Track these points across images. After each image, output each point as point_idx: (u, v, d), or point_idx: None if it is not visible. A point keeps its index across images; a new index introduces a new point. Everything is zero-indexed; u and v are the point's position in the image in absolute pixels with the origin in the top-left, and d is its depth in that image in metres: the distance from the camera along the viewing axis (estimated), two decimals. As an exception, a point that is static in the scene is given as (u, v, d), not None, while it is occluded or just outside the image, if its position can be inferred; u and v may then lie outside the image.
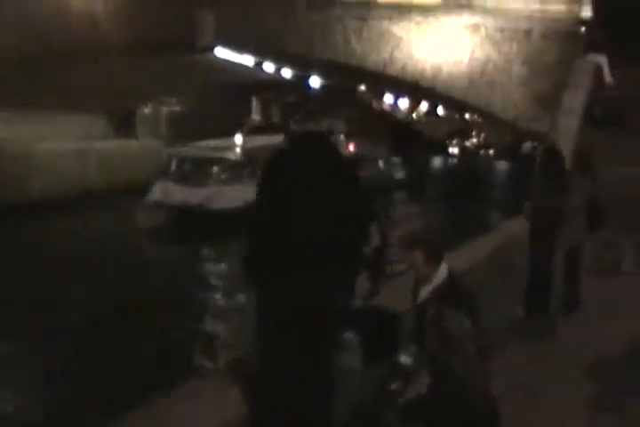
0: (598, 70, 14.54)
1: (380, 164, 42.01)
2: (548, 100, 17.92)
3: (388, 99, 62.66)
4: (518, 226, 8.49)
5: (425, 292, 3.47)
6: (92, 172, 26.07)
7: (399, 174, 49.15)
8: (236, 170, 22.27)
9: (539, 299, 6.63)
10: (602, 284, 7.58)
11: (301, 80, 31.45)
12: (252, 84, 32.45)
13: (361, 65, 19.39)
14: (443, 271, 3.46)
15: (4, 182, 21.98)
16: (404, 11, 19.07)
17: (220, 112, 35.44)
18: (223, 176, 22.22)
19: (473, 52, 18.76)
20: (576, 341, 6.03)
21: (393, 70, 19.22)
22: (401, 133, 61.24)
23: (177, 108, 34.15)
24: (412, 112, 68.50)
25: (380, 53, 19.22)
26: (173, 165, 22.75)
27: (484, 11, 18.57)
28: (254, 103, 42.35)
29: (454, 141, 73.56)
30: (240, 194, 19.71)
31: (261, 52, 23.07)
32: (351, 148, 35.46)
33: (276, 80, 31.40)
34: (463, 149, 73.19)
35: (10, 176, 22.38)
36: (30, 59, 22.21)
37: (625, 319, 6.47)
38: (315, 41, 19.68)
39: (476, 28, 18.64)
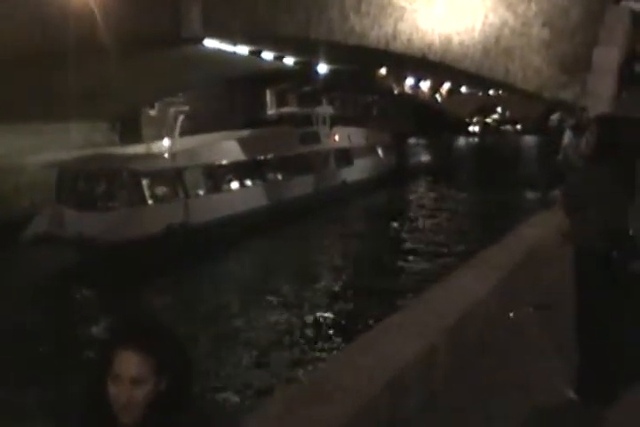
0: (635, 19, 11.97)
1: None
2: (575, 64, 15.41)
3: (410, 81, 60.18)
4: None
5: None
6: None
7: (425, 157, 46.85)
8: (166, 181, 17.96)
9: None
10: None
11: (309, 68, 29.21)
12: (260, 75, 30.32)
13: (361, 43, 17.02)
14: None
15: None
16: (406, -22, 16.67)
17: (231, 107, 33.46)
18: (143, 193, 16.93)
19: (486, 17, 16.25)
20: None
21: (397, 46, 16.83)
22: (424, 115, 58.81)
23: (185, 108, 32.21)
24: (435, 92, 65.79)
25: (382, 28, 16.83)
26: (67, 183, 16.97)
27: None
28: (268, 96, 40.22)
29: (479, 119, 70.76)
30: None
31: (256, 40, 20.81)
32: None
33: (283, 69, 29.16)
34: (489, 126, 70.41)
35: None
36: (16, 65, 20.29)
37: None
38: (311, 20, 17.40)
39: (487, -10, 16.17)
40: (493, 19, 16.12)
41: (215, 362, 9.88)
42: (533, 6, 15.68)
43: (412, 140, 56.30)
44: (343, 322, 12.11)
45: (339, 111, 49.53)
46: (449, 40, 16.61)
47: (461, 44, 16.52)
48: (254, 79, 31.84)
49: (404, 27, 16.74)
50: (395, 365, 4.40)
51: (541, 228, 8.76)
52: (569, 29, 15.41)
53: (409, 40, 16.83)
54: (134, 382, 1.91)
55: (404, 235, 20.62)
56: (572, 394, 4.54)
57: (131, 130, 28.31)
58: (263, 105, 38.83)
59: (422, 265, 16.28)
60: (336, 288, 14.73)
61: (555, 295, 6.51)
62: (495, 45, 16.32)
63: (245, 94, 34.82)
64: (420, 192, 30.76)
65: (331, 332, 11.70)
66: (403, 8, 16.58)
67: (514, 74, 16.49)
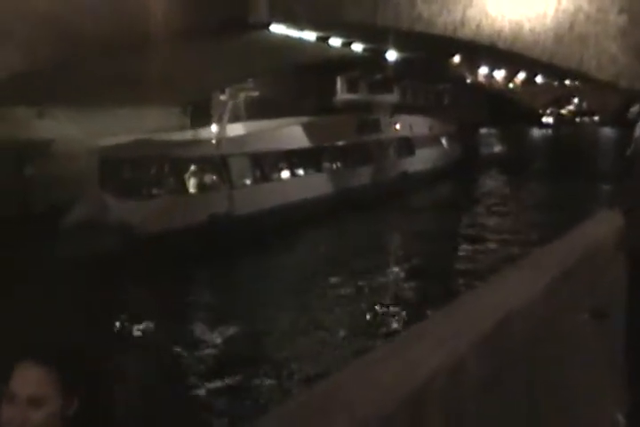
0: None
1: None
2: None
3: (484, 70, 58.66)
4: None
5: None
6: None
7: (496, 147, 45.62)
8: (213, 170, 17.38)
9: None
10: None
11: (379, 55, 28.57)
12: (328, 61, 29.87)
13: (428, 30, 16.38)
14: None
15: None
16: (477, -37, 15.91)
17: (300, 94, 33.19)
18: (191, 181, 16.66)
19: (559, 2, 15.36)
20: None
21: (466, 32, 16.12)
22: (498, 105, 57.29)
23: (255, 93, 32.09)
24: (510, 82, 63.93)
25: (451, 14, 16.14)
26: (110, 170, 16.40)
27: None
28: (339, 82, 39.69)
29: (555, 110, 68.45)
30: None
31: (322, 26, 20.36)
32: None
33: (352, 56, 28.64)
34: (564, 117, 68.03)
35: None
36: (93, 52, 20.51)
37: None
38: (378, 6, 16.85)
39: (562, -27, 15.28)
40: (567, 4, 15.23)
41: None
42: (611, -9, 14.72)
43: (484, 131, 54.99)
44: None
45: (410, 100, 48.75)
46: (519, 27, 15.80)
47: (532, 30, 15.69)
48: (323, 65, 31.38)
49: (472, 13, 16.02)
50: (414, 379, 3.87)
51: (607, 225, 8.10)
52: (648, 16, 14.41)
53: (478, 26, 16.11)
54: (32, 403, 1.60)
55: (464, 226, 19.90)
56: (621, 418, 4.04)
57: (202, 115, 28.39)
58: (333, 92, 38.36)
59: (483, 258, 15.67)
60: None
61: (616, 302, 5.96)
62: (569, 32, 15.43)
63: (315, 81, 34.44)
64: (489, 185, 29.71)
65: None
66: (472, -7, 15.86)
67: (588, 62, 15.59)
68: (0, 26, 18.97)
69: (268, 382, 8.88)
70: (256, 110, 30.54)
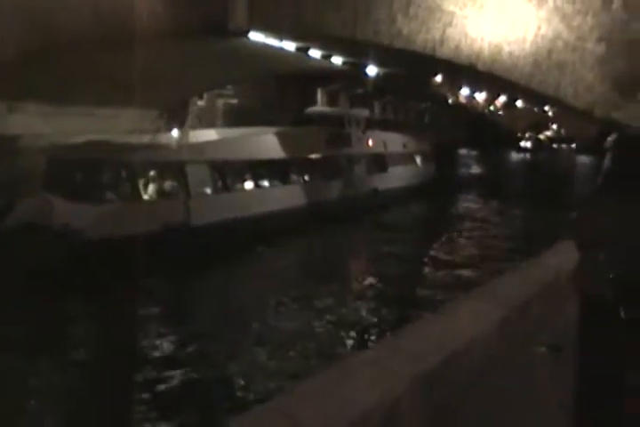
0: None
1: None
2: (632, 84, 14.37)
3: (465, 91, 58.90)
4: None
5: None
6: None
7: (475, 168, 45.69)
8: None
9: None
10: None
11: (358, 69, 28.44)
12: (308, 73, 29.70)
13: (407, 46, 16.21)
14: None
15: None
16: (459, -17, 15.81)
17: (279, 104, 32.95)
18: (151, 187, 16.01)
19: (539, 28, 15.28)
20: None
21: (444, 51, 15.97)
22: (478, 126, 57.53)
23: (234, 100, 31.87)
24: (490, 104, 64.33)
25: (430, 32, 16.00)
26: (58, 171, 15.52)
27: (553, -21, 15.10)
28: (319, 94, 39.63)
29: (533, 134, 69.04)
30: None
31: (302, 37, 20.14)
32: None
33: (332, 69, 28.48)
34: (543, 143, 68.61)
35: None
36: (69, 47, 20.10)
37: None
38: (358, 20, 16.67)
39: (542, -1, 15.21)
40: (546, 30, 15.14)
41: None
42: (589, 20, 14.65)
43: (463, 151, 55.15)
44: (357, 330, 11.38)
45: (390, 116, 48.67)
46: (499, 49, 15.69)
47: (511, 54, 15.58)
48: (303, 76, 31.20)
49: (452, 32, 15.88)
50: (341, 423, 3.47)
51: (567, 256, 7.86)
52: (627, 46, 14.35)
53: (457, 47, 15.96)
54: None
55: (431, 248, 19.52)
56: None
57: (177, 119, 28.03)
58: (312, 103, 38.30)
59: (443, 278, 15.40)
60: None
61: (569, 338, 5.70)
62: (547, 58, 15.34)
63: (294, 91, 34.29)
64: (463, 206, 29.44)
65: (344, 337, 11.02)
66: (452, 13, 15.72)
67: (565, 89, 15.50)
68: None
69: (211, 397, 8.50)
70: (233, 118, 30.27)
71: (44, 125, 21.90)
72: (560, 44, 15.07)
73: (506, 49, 15.61)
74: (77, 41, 19.13)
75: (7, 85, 19.62)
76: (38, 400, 8.23)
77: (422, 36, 15.97)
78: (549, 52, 15.19)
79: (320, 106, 38.95)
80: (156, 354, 9.90)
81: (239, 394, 8.66)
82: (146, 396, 8.39)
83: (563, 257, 8.33)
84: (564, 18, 14.92)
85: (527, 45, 15.38)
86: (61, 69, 20.20)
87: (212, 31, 18.71)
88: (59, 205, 13.97)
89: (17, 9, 18.13)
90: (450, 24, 15.81)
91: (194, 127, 26.10)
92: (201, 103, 30.38)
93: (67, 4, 18.91)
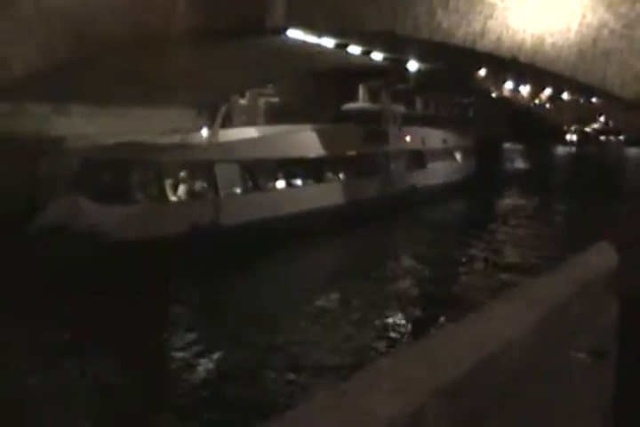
0: None
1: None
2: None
3: (509, 84, 57.93)
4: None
5: None
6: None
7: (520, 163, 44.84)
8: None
9: None
10: None
11: (399, 65, 28.07)
12: (349, 69, 29.45)
13: (447, 40, 15.85)
14: None
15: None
16: (500, -27, 15.39)
17: (320, 102, 32.80)
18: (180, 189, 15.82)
19: (583, 16, 14.78)
20: None
21: (485, 44, 15.57)
22: (523, 120, 56.52)
23: (275, 99, 31.82)
24: (535, 98, 63.11)
25: (471, 25, 15.61)
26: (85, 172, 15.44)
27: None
28: (361, 91, 39.30)
29: (580, 127, 67.45)
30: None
31: (340, 33, 19.90)
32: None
33: (373, 65, 28.19)
34: (590, 136, 66.98)
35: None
36: (111, 51, 20.30)
37: None
38: (397, 15, 16.37)
39: (587, -13, 14.70)
40: (591, 19, 14.62)
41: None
42: (638, 7, 14.09)
43: (507, 146, 54.23)
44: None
45: (434, 112, 48.11)
46: (541, 41, 15.22)
47: (555, 45, 15.10)
48: (343, 73, 30.90)
49: (493, 25, 15.46)
50: None
51: (608, 255, 7.51)
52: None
53: (498, 39, 15.54)
54: None
55: (470, 247, 18.88)
56: None
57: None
58: (354, 101, 38.03)
59: (485, 280, 14.98)
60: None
61: (611, 343, 5.40)
62: (592, 47, 14.82)
63: (334, 88, 34.04)
64: (506, 203, 28.65)
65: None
66: (493, 5, 15.31)
67: (611, 79, 14.96)
68: (20, 24, 18.89)
69: (244, 397, 8.37)
70: (274, 116, 30.24)
71: (88, 126, 22.20)
72: (606, 32, 14.54)
73: (549, 40, 15.13)
74: (118, 44, 19.29)
75: (54, 90, 19.97)
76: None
77: (463, 30, 15.59)
78: (595, 40, 14.66)
79: (361, 102, 38.67)
80: (185, 355, 9.82)
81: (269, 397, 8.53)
82: (174, 395, 8.34)
83: (603, 256, 7.97)
84: (611, 6, 14.38)
85: (571, 35, 14.88)
86: (104, 73, 20.42)
87: (249, 30, 18.64)
88: (87, 206, 13.93)
89: (64, 19, 18.39)
90: (491, 16, 15.40)
91: (235, 126, 26.05)
92: (243, 102, 30.41)
93: (107, 11, 19.07)
